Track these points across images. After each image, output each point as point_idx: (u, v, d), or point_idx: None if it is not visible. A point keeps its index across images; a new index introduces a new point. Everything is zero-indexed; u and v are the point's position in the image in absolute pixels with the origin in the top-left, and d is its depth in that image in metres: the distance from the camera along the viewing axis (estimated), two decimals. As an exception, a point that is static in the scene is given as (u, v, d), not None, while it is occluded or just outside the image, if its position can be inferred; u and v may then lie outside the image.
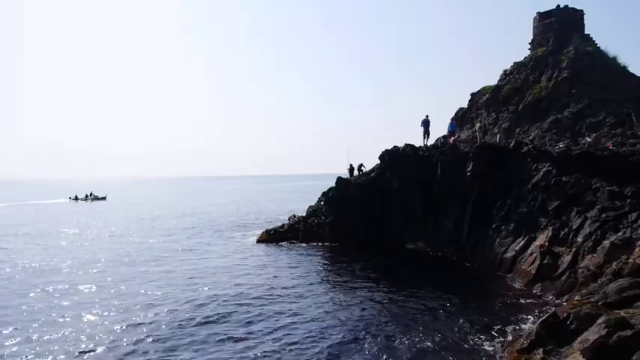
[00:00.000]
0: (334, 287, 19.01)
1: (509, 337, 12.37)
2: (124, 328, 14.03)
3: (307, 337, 13.16)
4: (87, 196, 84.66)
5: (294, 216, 34.79)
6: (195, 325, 14.18)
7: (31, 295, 18.04)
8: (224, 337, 13.24)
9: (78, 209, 66.38)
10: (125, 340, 13.05)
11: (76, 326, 14.23)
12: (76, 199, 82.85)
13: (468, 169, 24.89)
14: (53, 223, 45.66)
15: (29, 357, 12.06)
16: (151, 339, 13.07)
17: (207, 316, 14.98)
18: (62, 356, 12.04)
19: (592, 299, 11.47)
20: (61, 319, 14.91)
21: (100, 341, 12.96)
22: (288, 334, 13.34)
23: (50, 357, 11.99)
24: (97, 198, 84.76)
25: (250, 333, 13.51)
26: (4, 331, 13.86)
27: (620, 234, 17.19)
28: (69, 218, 51.17)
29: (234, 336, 13.28)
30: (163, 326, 14.14)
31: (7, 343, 12.92)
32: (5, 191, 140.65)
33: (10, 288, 19.22)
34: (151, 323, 14.38)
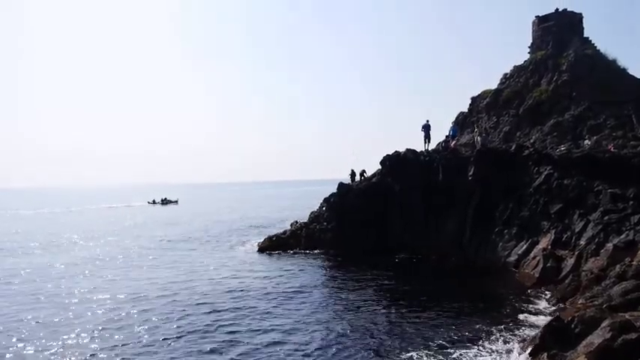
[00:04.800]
0: (338, 293, 18.96)
1: (514, 342, 12.32)
2: (119, 335, 14.04)
3: (311, 342, 13.12)
4: (162, 200, 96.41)
5: (296, 222, 34.74)
6: (196, 333, 14.12)
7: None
8: (225, 344, 13.20)
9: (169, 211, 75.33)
10: (122, 346, 13.07)
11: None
12: (154, 202, 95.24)
13: (470, 173, 24.90)
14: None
15: None
16: (151, 345, 13.07)
17: (208, 324, 14.91)
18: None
19: (596, 302, 11.44)
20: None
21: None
22: (291, 342, 13.31)
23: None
24: (170, 202, 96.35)
25: (253, 340, 13.46)
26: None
27: (622, 236, 17.18)
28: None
29: (237, 342, 13.26)
30: (162, 331, 14.14)
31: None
32: (57, 198, 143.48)
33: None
34: (150, 328, 14.38)
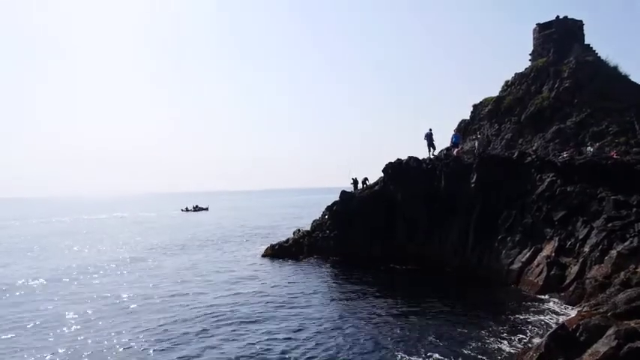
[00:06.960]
0: (342, 302, 18.91)
1: (518, 350, 12.24)
2: (127, 340, 14.02)
3: (308, 347, 13.10)
4: (194, 207, 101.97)
5: (299, 230, 34.72)
6: (198, 342, 14.10)
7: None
8: (222, 347, 13.21)
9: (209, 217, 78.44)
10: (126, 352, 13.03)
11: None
12: (187, 210, 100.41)
13: (472, 181, 24.87)
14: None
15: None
16: (148, 347, 13.04)
17: (212, 334, 14.89)
18: None
19: (601, 310, 11.36)
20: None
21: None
22: (290, 345, 13.30)
23: None
24: (201, 209, 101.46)
25: (256, 349, 13.44)
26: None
27: (627, 243, 17.09)
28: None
29: (234, 346, 13.25)
30: (167, 339, 14.15)
31: None
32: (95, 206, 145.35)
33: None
34: (154, 337, 14.35)
